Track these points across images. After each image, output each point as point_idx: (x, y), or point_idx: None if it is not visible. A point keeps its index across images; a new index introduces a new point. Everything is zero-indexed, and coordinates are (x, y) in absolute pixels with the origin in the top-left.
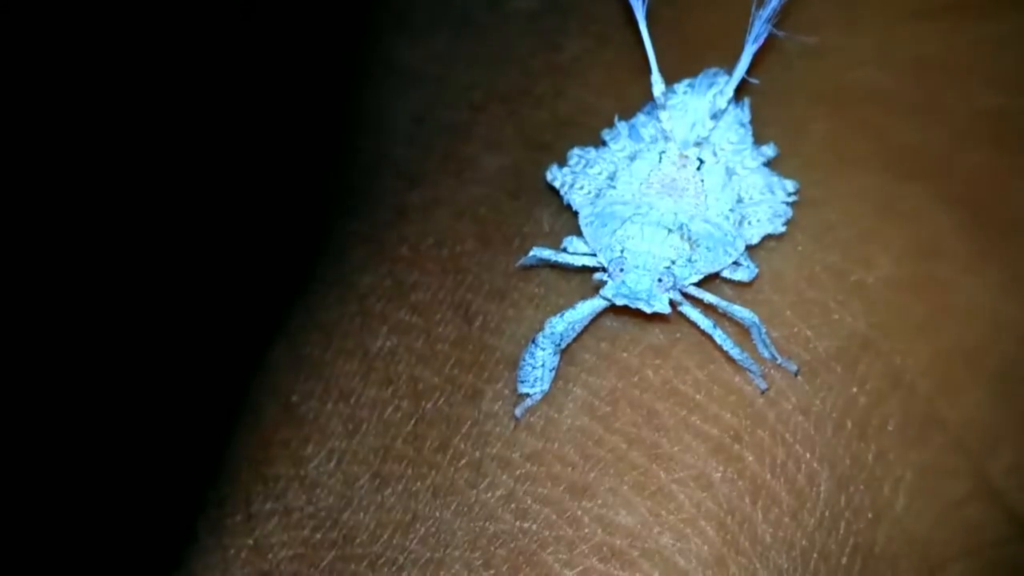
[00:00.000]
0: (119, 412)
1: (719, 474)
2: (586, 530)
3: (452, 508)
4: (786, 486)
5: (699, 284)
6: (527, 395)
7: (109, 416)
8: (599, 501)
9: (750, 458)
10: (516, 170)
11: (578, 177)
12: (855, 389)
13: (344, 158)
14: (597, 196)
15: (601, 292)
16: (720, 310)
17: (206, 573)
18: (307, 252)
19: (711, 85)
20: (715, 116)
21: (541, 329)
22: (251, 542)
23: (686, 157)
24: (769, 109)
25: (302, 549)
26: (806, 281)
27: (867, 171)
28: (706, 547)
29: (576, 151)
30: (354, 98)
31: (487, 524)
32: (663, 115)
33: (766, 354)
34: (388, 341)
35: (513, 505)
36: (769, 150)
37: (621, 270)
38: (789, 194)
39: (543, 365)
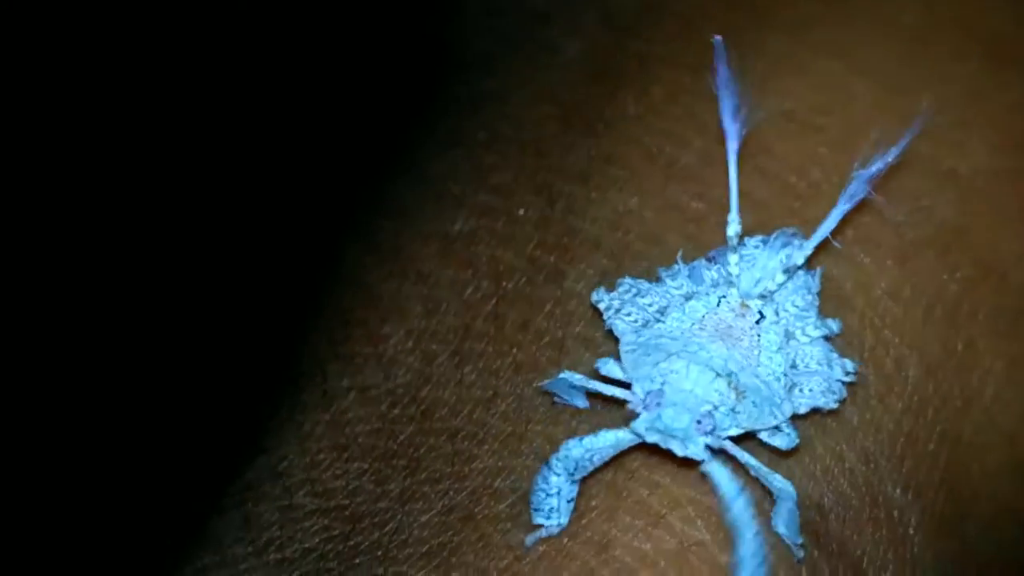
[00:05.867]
0: (203, 293)
1: None
2: None
3: (534, 385)
4: (874, 370)
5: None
6: (541, 525)
7: (193, 293)
8: None
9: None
10: (597, 54)
11: (626, 304)
12: (946, 276)
13: (419, 50)
14: (644, 326)
15: (632, 424)
16: (754, 475)
17: (282, 448)
18: (380, 141)
19: (785, 244)
20: (787, 271)
21: (556, 451)
22: (328, 418)
23: (747, 307)
24: (860, 3)
25: (379, 424)
26: (897, 167)
27: (961, 59)
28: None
29: (628, 280)
30: None
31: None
32: (732, 257)
33: (782, 529)
34: (467, 224)
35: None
36: (834, 325)
37: (658, 404)
38: (847, 373)
39: (558, 494)
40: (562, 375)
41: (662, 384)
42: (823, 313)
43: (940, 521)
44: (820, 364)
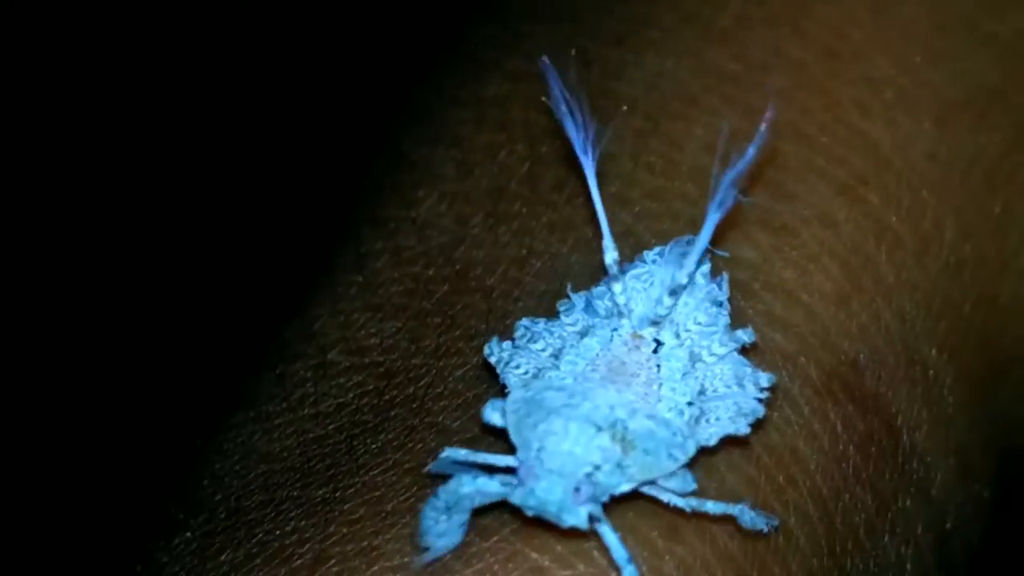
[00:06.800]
0: (240, 163)
1: (843, 214)
2: None
3: (568, 243)
4: (911, 230)
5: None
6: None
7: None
8: (722, 236)
9: (875, 201)
10: None
11: (517, 354)
12: (983, 139)
13: None
14: (534, 377)
15: (510, 498)
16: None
17: (317, 308)
18: (415, 11)
19: (683, 254)
20: (674, 292)
21: (446, 483)
22: (360, 279)
23: (640, 338)
24: None
25: (413, 284)
26: (936, 30)
27: None
28: (829, 283)
29: (524, 323)
30: None
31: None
32: (616, 287)
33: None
34: (501, 88)
35: (632, 239)
36: (745, 336)
37: (534, 476)
38: (762, 389)
39: (448, 520)
40: (444, 454)
41: (538, 450)
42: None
43: (975, 383)
44: (729, 385)
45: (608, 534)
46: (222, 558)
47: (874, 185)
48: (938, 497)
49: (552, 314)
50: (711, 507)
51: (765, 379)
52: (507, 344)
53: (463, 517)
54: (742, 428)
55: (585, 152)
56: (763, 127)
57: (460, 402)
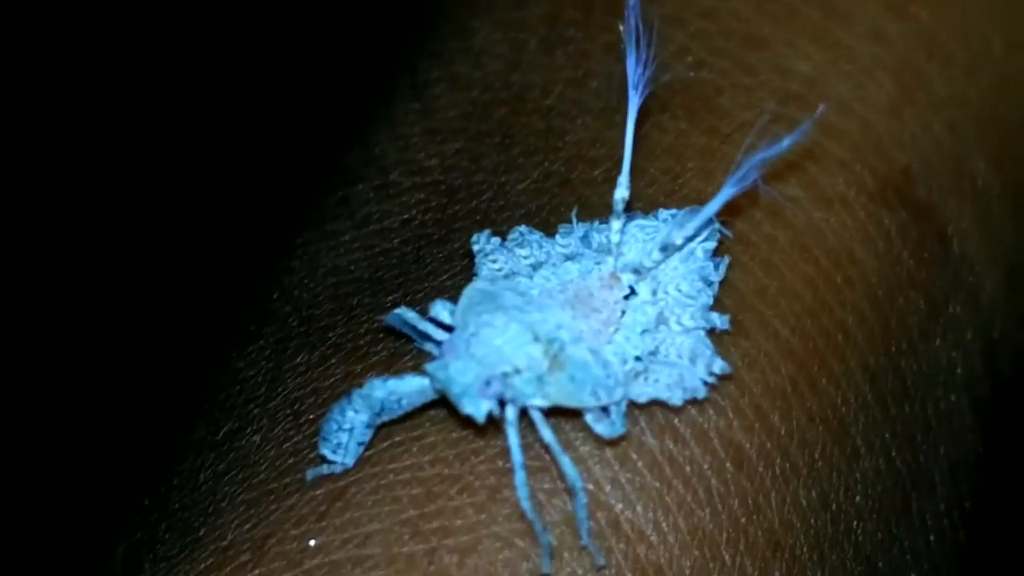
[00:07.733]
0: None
1: (895, 30)
2: (762, 77)
3: (624, 62)
4: (961, 46)
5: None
6: (324, 458)
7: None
8: (776, 51)
9: (925, 17)
10: None
11: (500, 252)
12: None
13: None
14: (505, 277)
15: (425, 365)
16: (550, 453)
17: (376, 135)
18: None
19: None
20: (665, 249)
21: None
22: (418, 106)
23: (617, 279)
24: None
25: (471, 108)
26: None
27: None
28: (882, 95)
29: (521, 229)
30: None
31: (660, 77)
32: (615, 223)
33: (583, 537)
34: None
35: (689, 58)
36: (720, 321)
37: (454, 353)
38: (711, 374)
39: (351, 429)
40: (396, 311)
41: (471, 335)
42: None
43: (1021, 196)
44: (682, 357)
45: (512, 437)
46: (298, 360)
47: (924, 2)
48: (987, 305)
49: (609, 128)
50: (568, 469)
51: (719, 366)
52: (496, 240)
53: (365, 436)
54: (675, 398)
55: (636, 88)
56: (807, 123)
57: (523, 212)
